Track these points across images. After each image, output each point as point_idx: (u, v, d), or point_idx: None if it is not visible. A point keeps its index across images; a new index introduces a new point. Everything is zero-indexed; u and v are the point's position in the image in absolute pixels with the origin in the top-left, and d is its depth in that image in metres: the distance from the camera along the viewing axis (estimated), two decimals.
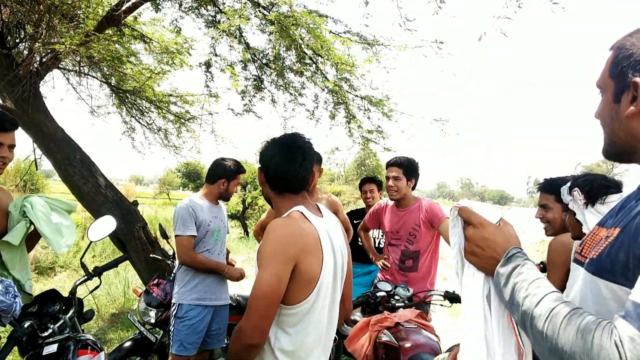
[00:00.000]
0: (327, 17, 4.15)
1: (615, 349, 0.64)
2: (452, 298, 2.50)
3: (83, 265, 2.49)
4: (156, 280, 3.14)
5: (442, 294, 2.53)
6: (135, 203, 4.70)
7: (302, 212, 1.43)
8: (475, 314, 0.94)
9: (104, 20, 3.88)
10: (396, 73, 4.58)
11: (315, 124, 4.97)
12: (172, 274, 3.08)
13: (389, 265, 3.08)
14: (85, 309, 2.47)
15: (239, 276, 3.01)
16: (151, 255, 4.00)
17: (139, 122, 5.84)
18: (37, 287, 6.21)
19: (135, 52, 4.94)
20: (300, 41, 3.72)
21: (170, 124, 5.83)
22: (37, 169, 5.16)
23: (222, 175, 2.96)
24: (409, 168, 2.97)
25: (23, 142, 4.94)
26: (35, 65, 4.11)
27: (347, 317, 1.86)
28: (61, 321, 2.18)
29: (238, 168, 3.01)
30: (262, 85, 4.94)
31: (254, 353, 1.34)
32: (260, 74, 4.92)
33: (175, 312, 2.83)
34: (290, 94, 4.92)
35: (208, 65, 4.72)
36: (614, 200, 1.56)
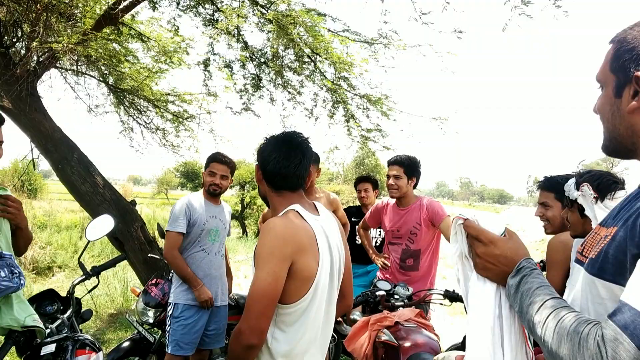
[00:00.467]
0: (325, 15, 4.14)
1: (597, 349, 0.65)
2: (452, 297, 2.48)
3: (81, 265, 2.48)
4: (154, 280, 3.13)
5: (442, 293, 2.52)
6: (133, 202, 4.68)
7: (297, 211, 1.42)
8: (485, 320, 0.97)
9: (101, 19, 3.87)
10: (396, 72, 4.58)
11: (313, 123, 4.96)
12: (170, 274, 3.07)
13: (389, 265, 3.07)
14: (83, 309, 2.47)
15: (207, 300, 2.81)
16: (149, 255, 4.00)
17: (136, 121, 5.82)
18: (35, 287, 6.19)
19: (133, 51, 4.93)
20: (299, 40, 3.70)
21: (169, 123, 5.81)
22: (34, 169, 5.14)
23: (205, 168, 2.94)
24: (410, 167, 2.96)
25: (20, 142, 4.91)
26: (33, 65, 4.09)
27: (347, 312, 1.85)
28: (59, 321, 2.17)
29: (213, 157, 2.90)
30: (261, 84, 4.93)
31: (254, 353, 1.34)
32: (258, 73, 4.91)
33: (171, 311, 2.82)
34: (289, 92, 4.90)
35: (206, 64, 4.71)
36: (620, 196, 1.54)
